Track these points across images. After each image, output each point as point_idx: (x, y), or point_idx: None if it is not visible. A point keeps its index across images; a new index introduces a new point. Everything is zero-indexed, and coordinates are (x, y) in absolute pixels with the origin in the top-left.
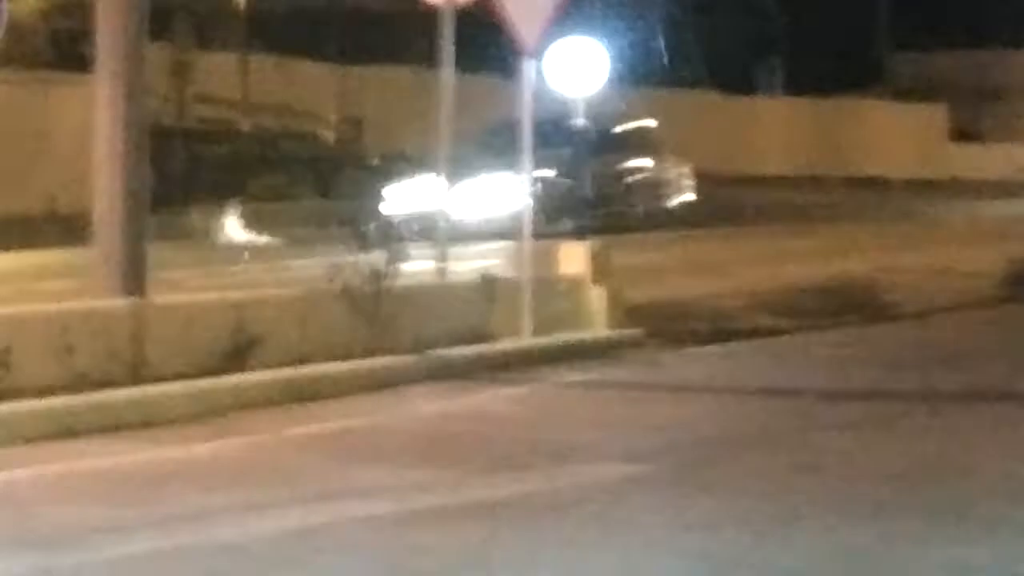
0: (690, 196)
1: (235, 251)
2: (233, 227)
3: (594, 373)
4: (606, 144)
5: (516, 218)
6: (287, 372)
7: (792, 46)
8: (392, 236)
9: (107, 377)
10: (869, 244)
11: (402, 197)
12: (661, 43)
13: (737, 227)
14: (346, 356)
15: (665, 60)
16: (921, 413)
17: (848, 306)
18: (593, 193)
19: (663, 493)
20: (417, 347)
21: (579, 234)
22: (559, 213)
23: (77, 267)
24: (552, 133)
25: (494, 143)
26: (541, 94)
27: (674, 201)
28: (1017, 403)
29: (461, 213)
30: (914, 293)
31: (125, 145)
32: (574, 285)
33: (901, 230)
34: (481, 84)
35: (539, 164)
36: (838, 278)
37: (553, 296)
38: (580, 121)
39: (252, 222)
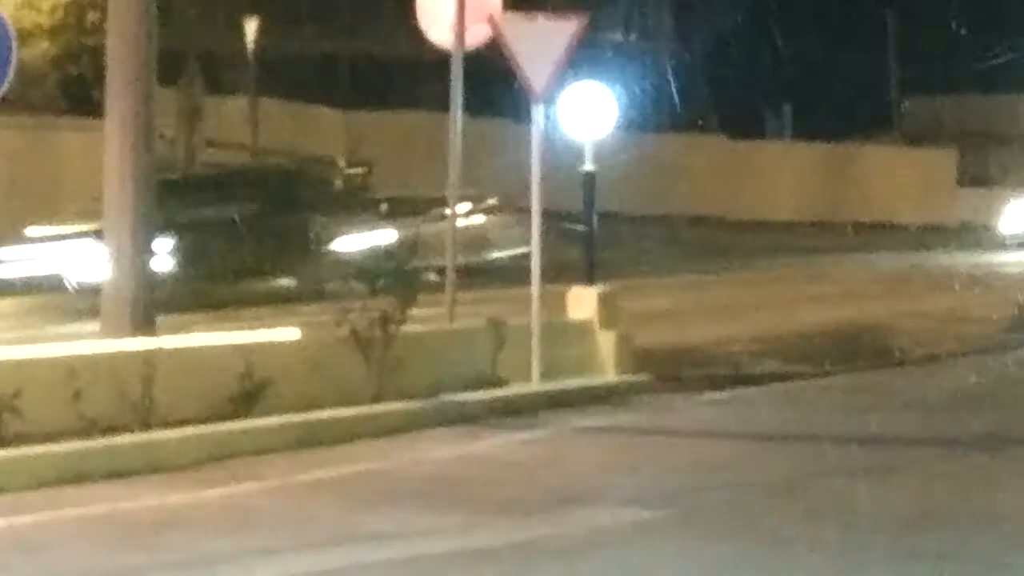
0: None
1: (242, 294)
2: (244, 269)
3: (603, 418)
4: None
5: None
6: (296, 417)
7: (802, 91)
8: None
9: (116, 421)
10: (878, 289)
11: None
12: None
13: (746, 272)
14: (355, 401)
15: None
16: (931, 458)
17: (858, 351)
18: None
19: (673, 539)
20: (426, 392)
21: (587, 278)
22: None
23: (86, 311)
24: None
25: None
26: (552, 138)
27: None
28: None
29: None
30: (924, 338)
31: (134, 189)
32: (583, 330)
33: (910, 275)
34: (492, 128)
35: None
36: (848, 323)
37: (562, 341)
38: (588, 167)
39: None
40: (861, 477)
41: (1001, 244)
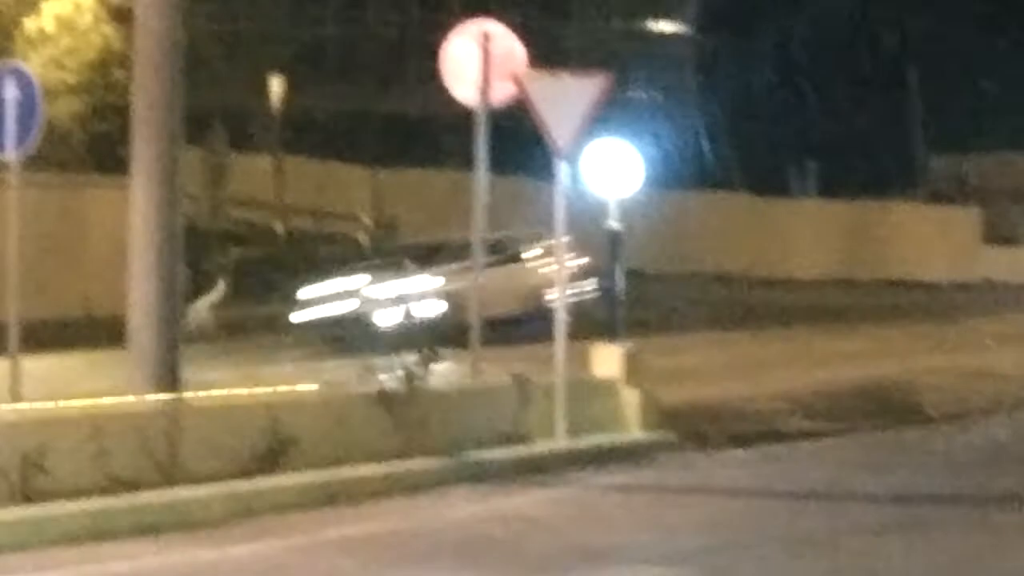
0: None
1: (268, 350)
2: (266, 327)
3: (628, 476)
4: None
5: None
6: (321, 474)
7: (827, 148)
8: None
9: (141, 477)
10: (903, 346)
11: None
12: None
13: (771, 329)
14: (380, 458)
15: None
16: (959, 516)
17: (883, 409)
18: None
19: None
20: (451, 449)
21: (611, 335)
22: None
23: (112, 369)
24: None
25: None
26: (577, 196)
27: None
28: None
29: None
30: (950, 396)
31: (160, 248)
32: (608, 387)
33: (935, 332)
34: (517, 186)
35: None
36: (873, 380)
37: (587, 398)
38: (613, 225)
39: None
40: (888, 534)
41: None
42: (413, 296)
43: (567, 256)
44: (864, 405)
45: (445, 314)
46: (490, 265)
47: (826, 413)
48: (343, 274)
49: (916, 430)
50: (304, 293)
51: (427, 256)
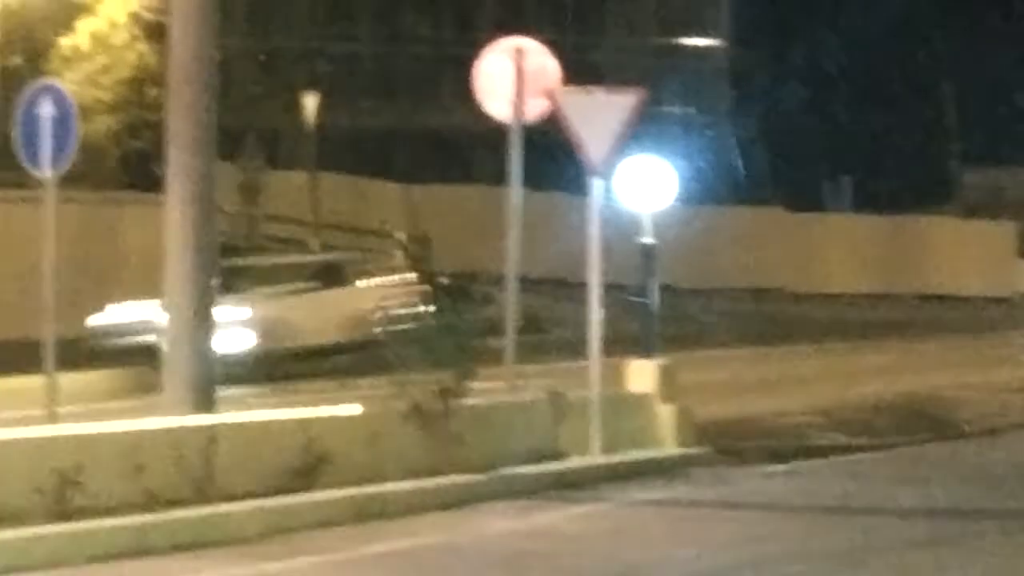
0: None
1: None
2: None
3: (663, 491)
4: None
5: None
6: (357, 490)
7: (861, 163)
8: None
9: (177, 495)
10: (938, 361)
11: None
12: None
13: (805, 343)
14: (415, 474)
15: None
16: (995, 530)
17: (918, 423)
18: None
19: None
20: (486, 465)
21: (645, 350)
22: None
23: (147, 386)
24: None
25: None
26: (610, 211)
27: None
28: None
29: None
30: (986, 410)
31: (194, 264)
32: (643, 402)
33: (971, 347)
34: (550, 201)
35: None
36: (907, 395)
37: (622, 413)
38: (647, 240)
39: None
40: (925, 549)
41: None
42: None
43: (397, 281)
44: (898, 420)
45: (254, 348)
46: (309, 290)
47: (860, 428)
48: (140, 299)
49: (950, 445)
50: (96, 320)
51: (233, 279)
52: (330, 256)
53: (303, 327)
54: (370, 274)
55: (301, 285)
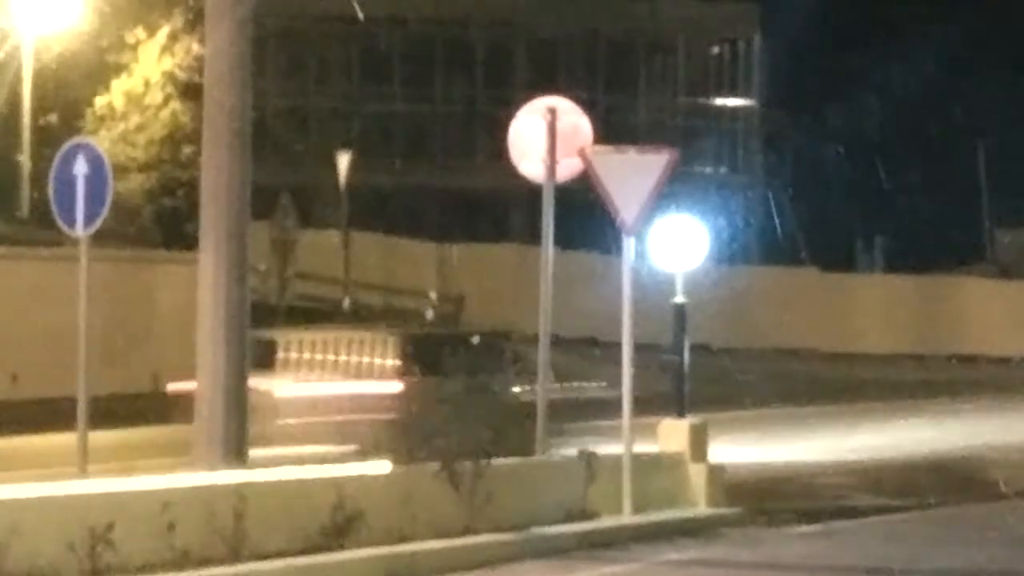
0: None
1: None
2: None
3: (695, 551)
4: None
5: None
6: (387, 549)
7: (893, 223)
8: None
9: (208, 553)
10: (973, 421)
11: None
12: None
13: (839, 404)
14: (446, 533)
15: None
16: None
17: (953, 484)
18: None
19: None
20: (517, 524)
21: (677, 409)
22: None
23: (179, 444)
24: None
25: None
26: (643, 271)
27: None
28: None
29: None
30: (1020, 472)
31: (227, 323)
32: (674, 462)
33: (1005, 407)
34: (582, 260)
35: None
36: (942, 455)
37: (653, 473)
38: (679, 299)
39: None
40: None
41: None
42: None
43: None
44: (933, 480)
45: None
46: None
47: (895, 488)
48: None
49: (986, 506)
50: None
51: None
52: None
53: None
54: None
55: None
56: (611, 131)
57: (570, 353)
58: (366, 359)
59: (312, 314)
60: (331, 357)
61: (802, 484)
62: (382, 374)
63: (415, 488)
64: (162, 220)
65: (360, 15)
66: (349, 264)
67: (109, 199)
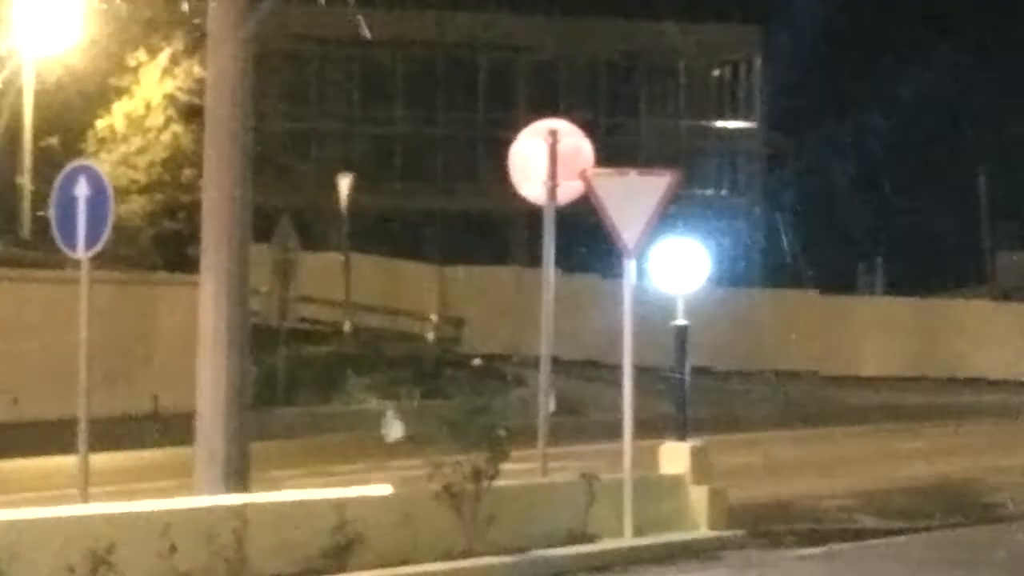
0: None
1: (337, 449)
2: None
3: (695, 574)
4: None
5: None
6: (388, 572)
7: (895, 245)
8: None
9: (210, 575)
10: (974, 443)
11: None
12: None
13: (840, 426)
14: (447, 556)
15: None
16: None
17: (955, 507)
18: None
19: None
20: (518, 547)
21: (678, 432)
22: None
23: (180, 466)
24: None
25: None
26: (643, 293)
27: None
28: None
29: None
30: (1022, 493)
31: (228, 345)
32: (675, 484)
33: (1006, 430)
34: (582, 283)
35: None
36: (944, 477)
37: (654, 496)
38: (680, 321)
39: (353, 421)
40: None
41: None
42: None
43: None
44: (935, 502)
45: None
46: None
47: (897, 511)
48: None
49: (989, 528)
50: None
51: None
52: None
53: None
54: None
55: None
56: (612, 153)
57: (570, 375)
58: None
59: (313, 337)
60: None
61: (804, 507)
62: None
63: (416, 510)
64: (163, 242)
65: (366, 33)
66: (350, 286)
67: (110, 221)
